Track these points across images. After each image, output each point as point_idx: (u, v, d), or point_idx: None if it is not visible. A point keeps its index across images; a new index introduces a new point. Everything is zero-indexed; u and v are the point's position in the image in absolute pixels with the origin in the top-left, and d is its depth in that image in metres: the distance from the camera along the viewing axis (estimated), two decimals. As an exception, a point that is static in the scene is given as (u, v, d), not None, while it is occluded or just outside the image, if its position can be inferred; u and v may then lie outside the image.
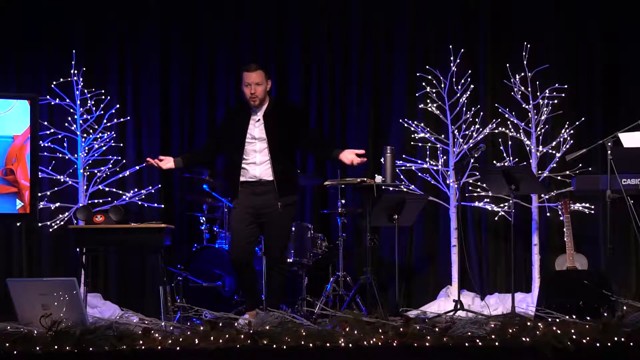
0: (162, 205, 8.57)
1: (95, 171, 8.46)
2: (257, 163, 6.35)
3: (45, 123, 8.38)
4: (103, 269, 8.70)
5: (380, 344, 4.91)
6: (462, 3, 8.87)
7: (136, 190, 8.55)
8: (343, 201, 7.97)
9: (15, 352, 4.89)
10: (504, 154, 8.51)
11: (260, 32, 8.96)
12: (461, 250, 8.28)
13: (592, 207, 8.36)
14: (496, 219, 8.54)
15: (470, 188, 8.55)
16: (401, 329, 5.01)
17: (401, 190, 8.23)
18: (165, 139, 8.83)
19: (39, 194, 7.95)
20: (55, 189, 8.46)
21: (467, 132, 8.55)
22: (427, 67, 8.61)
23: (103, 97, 8.51)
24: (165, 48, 8.89)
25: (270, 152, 6.32)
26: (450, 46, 8.57)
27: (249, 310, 6.21)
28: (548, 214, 8.49)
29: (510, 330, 4.99)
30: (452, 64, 8.54)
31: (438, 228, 8.77)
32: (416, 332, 4.98)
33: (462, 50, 8.58)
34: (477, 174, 8.24)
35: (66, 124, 8.46)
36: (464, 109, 8.54)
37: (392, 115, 8.82)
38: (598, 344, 4.91)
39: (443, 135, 8.60)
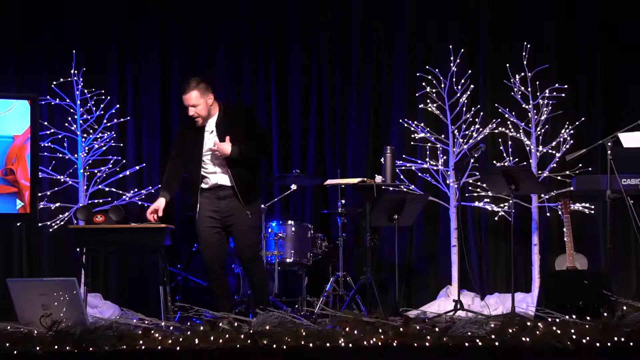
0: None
1: (95, 171, 8.46)
2: (217, 172, 6.39)
3: (45, 123, 8.38)
4: (103, 269, 8.70)
5: (380, 344, 4.91)
6: (462, 3, 8.87)
7: (136, 190, 8.55)
8: (343, 201, 7.97)
9: (15, 352, 4.89)
10: (504, 154, 8.51)
11: (260, 32, 8.96)
12: (461, 250, 8.28)
13: (592, 207, 8.36)
14: (496, 219, 8.54)
15: (470, 188, 8.55)
16: (401, 329, 5.01)
17: (401, 190, 8.23)
18: (165, 139, 8.83)
19: (39, 194, 7.95)
20: (55, 189, 8.47)
21: (467, 132, 8.55)
22: (427, 67, 8.61)
23: (103, 97, 8.51)
24: (165, 48, 8.89)
25: (227, 162, 6.33)
26: (450, 46, 8.57)
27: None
28: (548, 214, 8.49)
29: (510, 330, 4.99)
30: (452, 64, 8.54)
31: (438, 228, 8.77)
32: (416, 332, 4.98)
33: (462, 50, 8.58)
34: (477, 174, 8.25)
35: (66, 124, 8.46)
36: (464, 109, 8.54)
37: (392, 115, 8.82)
38: (598, 344, 4.91)
39: (443, 135, 8.60)
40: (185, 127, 6.51)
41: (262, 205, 7.62)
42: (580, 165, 8.25)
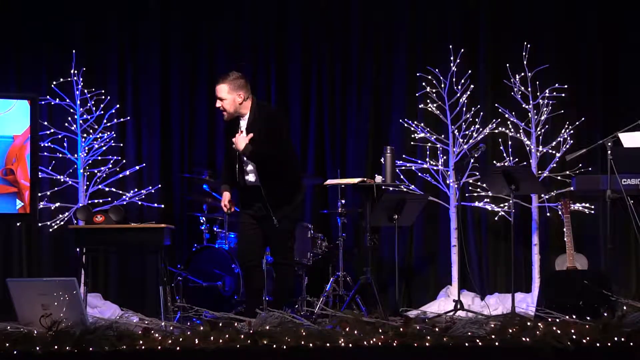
0: (162, 205, 8.57)
1: (95, 171, 8.46)
2: (248, 172, 6.36)
3: (45, 123, 8.38)
4: (103, 269, 8.70)
5: (380, 344, 4.91)
6: (462, 3, 8.87)
7: (136, 190, 8.55)
8: (343, 201, 7.97)
9: (15, 352, 4.88)
10: (504, 154, 8.51)
11: (260, 32, 8.96)
12: (461, 250, 8.28)
13: (592, 207, 8.36)
14: (496, 219, 8.54)
15: (470, 188, 8.55)
16: (401, 329, 5.00)
17: (401, 190, 8.23)
18: (165, 139, 8.83)
19: (39, 194, 7.95)
20: (55, 189, 8.46)
21: (467, 132, 8.55)
22: (427, 67, 8.61)
23: (103, 97, 8.51)
24: (165, 48, 8.89)
25: (255, 164, 6.30)
26: (450, 46, 8.58)
27: (247, 314, 6.11)
28: (548, 214, 8.49)
29: (510, 330, 4.99)
30: (452, 64, 8.54)
31: (438, 228, 8.77)
32: (416, 332, 4.97)
33: (462, 50, 8.58)
34: (477, 174, 8.25)
35: (66, 124, 8.46)
36: (464, 109, 8.54)
37: (392, 115, 8.82)
38: (598, 344, 4.91)
39: (443, 135, 8.60)
40: (229, 123, 6.46)
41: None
42: (580, 165, 8.25)
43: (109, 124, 8.53)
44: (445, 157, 8.57)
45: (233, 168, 6.40)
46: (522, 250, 8.54)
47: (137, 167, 8.62)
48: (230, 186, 6.50)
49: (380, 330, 5.02)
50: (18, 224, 8.41)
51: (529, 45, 8.48)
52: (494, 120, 8.57)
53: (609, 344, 4.91)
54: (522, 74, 8.47)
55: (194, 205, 8.46)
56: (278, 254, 6.42)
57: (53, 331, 5.01)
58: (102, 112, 8.50)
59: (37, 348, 4.89)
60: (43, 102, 8.34)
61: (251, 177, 6.35)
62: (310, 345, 4.91)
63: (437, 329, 5.02)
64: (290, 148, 6.49)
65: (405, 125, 8.65)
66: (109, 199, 8.44)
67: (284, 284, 6.44)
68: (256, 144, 6.22)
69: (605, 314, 5.20)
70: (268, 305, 6.59)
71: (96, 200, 8.40)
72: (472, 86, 8.58)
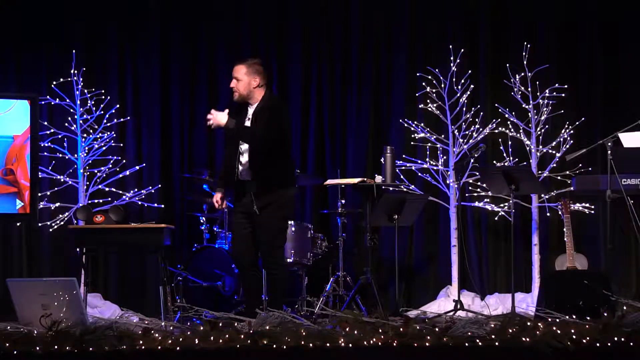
0: (162, 205, 8.57)
1: (95, 171, 8.46)
2: (243, 162, 6.35)
3: (45, 123, 8.38)
4: (103, 269, 8.69)
5: (380, 344, 4.91)
6: (462, 3, 8.87)
7: (136, 190, 8.55)
8: (343, 201, 7.97)
9: (15, 352, 4.89)
10: (504, 154, 8.51)
11: (260, 32, 8.96)
12: (461, 250, 8.28)
13: (592, 207, 8.36)
14: (496, 219, 8.54)
15: (470, 188, 8.55)
16: (401, 329, 5.01)
17: (401, 190, 8.23)
18: (165, 139, 8.83)
19: (39, 194, 7.95)
20: (55, 189, 8.47)
21: (467, 132, 8.55)
22: (427, 67, 8.61)
23: (103, 97, 8.52)
24: (165, 48, 8.89)
25: (249, 152, 6.32)
26: (450, 46, 8.58)
27: (247, 314, 6.12)
28: (548, 214, 8.49)
29: (510, 330, 4.99)
30: (452, 64, 8.54)
31: (438, 228, 8.77)
32: (416, 332, 4.98)
33: (462, 50, 8.58)
34: (477, 174, 8.25)
35: (66, 124, 8.46)
36: (464, 109, 8.54)
37: (392, 115, 8.82)
38: (598, 344, 4.91)
39: (443, 135, 8.60)
40: (233, 113, 6.46)
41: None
42: (580, 165, 8.25)
43: (109, 124, 8.53)
44: (445, 157, 8.57)
45: (233, 157, 6.38)
46: (522, 250, 8.54)
47: (137, 167, 8.62)
48: (225, 183, 6.50)
49: (380, 330, 5.02)
50: (18, 224, 8.41)
51: (529, 45, 8.48)
52: (494, 120, 8.57)
53: (609, 344, 4.91)
54: (522, 74, 8.47)
55: (194, 205, 8.46)
56: (265, 252, 6.36)
57: (53, 331, 5.01)
58: (102, 112, 8.50)
59: (37, 348, 4.89)
60: (43, 102, 8.34)
61: (244, 171, 6.35)
62: (310, 345, 4.92)
63: (437, 329, 5.02)
64: (286, 144, 6.48)
65: (405, 125, 8.65)
66: (109, 199, 8.44)
67: (276, 286, 6.37)
68: (254, 125, 6.24)
69: (605, 314, 5.20)
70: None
71: (96, 200, 8.40)
72: (472, 86, 8.58)
